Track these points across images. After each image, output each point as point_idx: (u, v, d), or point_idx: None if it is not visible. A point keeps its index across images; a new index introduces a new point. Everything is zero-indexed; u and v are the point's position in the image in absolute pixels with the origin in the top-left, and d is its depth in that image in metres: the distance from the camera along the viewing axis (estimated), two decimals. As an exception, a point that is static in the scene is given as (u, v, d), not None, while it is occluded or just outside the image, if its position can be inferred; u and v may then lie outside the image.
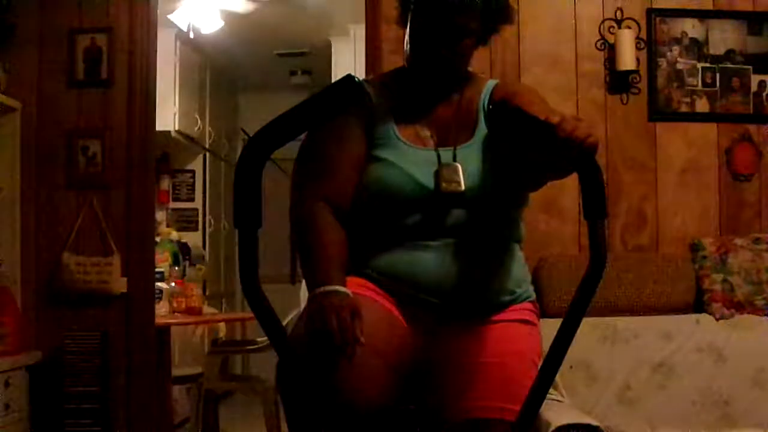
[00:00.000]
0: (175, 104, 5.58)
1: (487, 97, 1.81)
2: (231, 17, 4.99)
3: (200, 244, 6.30)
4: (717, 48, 3.57)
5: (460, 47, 1.75)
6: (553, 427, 2.34)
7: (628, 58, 3.47)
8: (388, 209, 1.72)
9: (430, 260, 1.71)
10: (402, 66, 1.87)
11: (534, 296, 1.86)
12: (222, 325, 5.48)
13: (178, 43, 5.55)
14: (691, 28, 3.57)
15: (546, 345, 1.53)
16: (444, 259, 1.71)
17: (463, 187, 1.69)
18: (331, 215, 1.71)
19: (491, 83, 1.86)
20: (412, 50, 1.78)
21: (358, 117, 1.75)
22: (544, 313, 2.45)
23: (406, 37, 1.79)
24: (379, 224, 1.74)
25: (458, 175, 1.70)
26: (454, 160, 1.73)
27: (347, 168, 1.75)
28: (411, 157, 1.73)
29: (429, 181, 1.70)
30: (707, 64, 3.56)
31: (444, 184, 1.69)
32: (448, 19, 1.71)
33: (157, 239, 4.73)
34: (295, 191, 1.77)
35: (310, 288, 1.64)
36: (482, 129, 1.77)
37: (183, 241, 5.81)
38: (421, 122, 1.79)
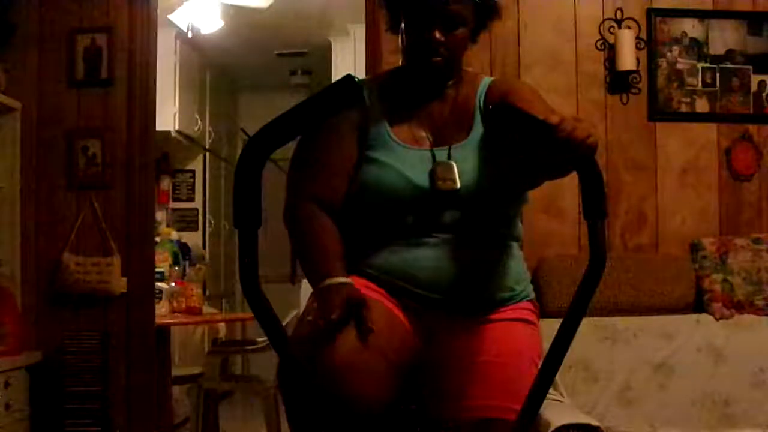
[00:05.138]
0: (175, 104, 5.57)
1: (483, 95, 1.80)
2: (231, 17, 4.98)
3: (200, 244, 6.30)
4: (717, 48, 3.57)
5: (454, 36, 1.73)
6: (553, 427, 2.34)
7: (628, 58, 3.47)
8: (384, 210, 1.73)
9: (427, 256, 1.71)
10: (399, 66, 1.86)
11: (533, 296, 1.86)
12: (222, 325, 5.48)
13: (178, 43, 5.55)
14: (691, 28, 3.57)
15: (546, 345, 1.53)
16: (441, 255, 1.71)
17: (458, 185, 1.69)
18: (323, 213, 1.73)
19: (487, 81, 1.84)
20: (408, 46, 1.77)
21: (351, 118, 1.75)
22: (544, 313, 2.45)
23: (402, 35, 1.78)
24: (377, 224, 1.75)
25: (453, 173, 1.70)
26: (449, 159, 1.73)
27: (338, 169, 1.75)
28: (405, 158, 1.73)
29: (424, 181, 1.70)
30: (707, 64, 3.56)
31: (439, 182, 1.69)
32: (443, 5, 1.70)
33: (157, 239, 4.72)
34: (288, 194, 1.78)
35: (313, 283, 1.65)
36: (478, 128, 1.77)
37: (183, 241, 5.80)
38: (416, 122, 1.79)
